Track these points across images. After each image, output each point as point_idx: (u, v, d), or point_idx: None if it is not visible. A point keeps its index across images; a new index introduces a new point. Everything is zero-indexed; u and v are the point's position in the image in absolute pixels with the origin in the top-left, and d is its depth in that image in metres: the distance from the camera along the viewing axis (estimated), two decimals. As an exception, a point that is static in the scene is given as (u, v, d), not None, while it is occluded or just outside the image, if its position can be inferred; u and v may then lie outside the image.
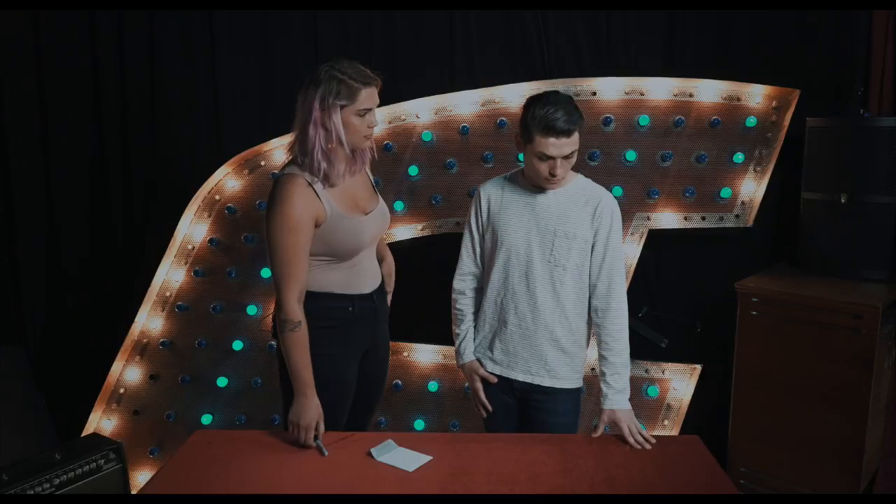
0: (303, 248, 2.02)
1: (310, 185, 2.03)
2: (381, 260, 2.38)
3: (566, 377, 2.22)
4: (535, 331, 2.19)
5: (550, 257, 2.16)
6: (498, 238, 2.21)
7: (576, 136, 2.07)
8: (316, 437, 1.97)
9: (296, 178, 2.03)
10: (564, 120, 2.03)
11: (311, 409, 2.02)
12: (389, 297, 2.44)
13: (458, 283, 2.33)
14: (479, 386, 2.29)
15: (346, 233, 2.09)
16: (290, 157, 2.10)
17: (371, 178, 2.29)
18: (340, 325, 2.16)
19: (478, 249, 2.30)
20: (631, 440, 2.04)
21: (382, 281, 2.33)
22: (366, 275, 2.22)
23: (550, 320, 2.18)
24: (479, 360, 2.31)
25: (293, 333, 2.02)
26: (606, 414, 2.12)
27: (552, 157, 2.07)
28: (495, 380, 2.27)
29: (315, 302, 2.10)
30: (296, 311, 2.02)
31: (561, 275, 2.16)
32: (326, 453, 1.91)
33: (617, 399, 2.12)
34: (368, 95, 2.04)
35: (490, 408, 2.29)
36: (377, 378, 2.41)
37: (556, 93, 2.11)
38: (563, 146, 2.05)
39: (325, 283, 2.13)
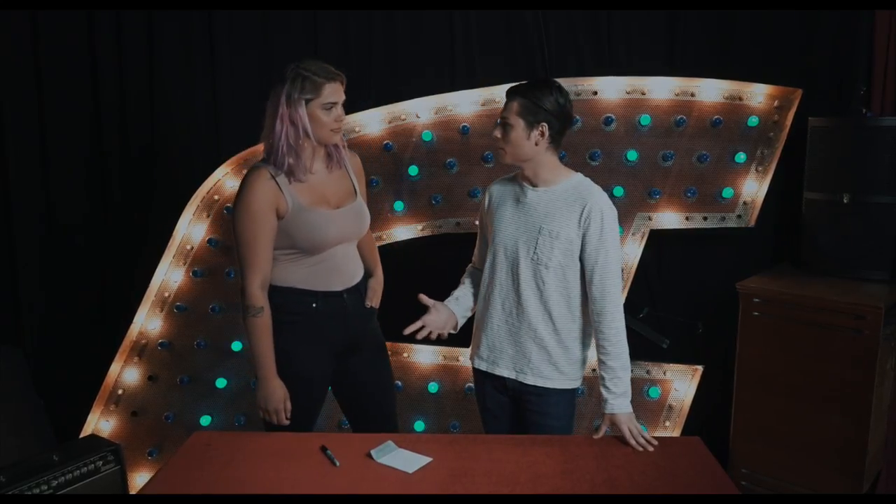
0: (263, 237, 2.10)
1: (273, 177, 2.10)
2: (370, 275, 2.41)
3: (550, 377, 2.20)
4: (520, 328, 2.20)
5: (534, 255, 2.16)
6: (492, 234, 2.24)
7: (513, 105, 2.11)
8: (326, 448, 1.96)
9: (260, 170, 2.12)
10: (511, 85, 2.16)
11: (276, 391, 2.12)
12: (375, 300, 2.42)
13: (468, 268, 2.42)
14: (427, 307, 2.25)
15: (308, 226, 2.13)
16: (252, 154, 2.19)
17: (354, 179, 2.29)
18: (303, 320, 2.19)
19: (482, 245, 2.37)
20: (633, 443, 2.03)
21: (362, 282, 2.33)
22: (336, 273, 2.23)
23: (534, 319, 2.18)
24: (471, 357, 2.34)
25: (255, 319, 2.11)
26: (608, 418, 2.11)
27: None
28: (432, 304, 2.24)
29: (278, 296, 2.16)
30: (257, 296, 2.11)
31: (544, 273, 2.15)
32: (338, 464, 1.90)
33: (617, 403, 2.11)
34: (333, 90, 2.10)
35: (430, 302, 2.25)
36: (380, 381, 2.42)
37: (549, 79, 2.19)
38: (503, 109, 2.14)
39: (289, 277, 2.18)
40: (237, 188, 2.21)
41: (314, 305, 2.19)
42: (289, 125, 2.08)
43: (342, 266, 2.24)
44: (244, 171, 2.97)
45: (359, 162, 2.36)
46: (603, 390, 2.13)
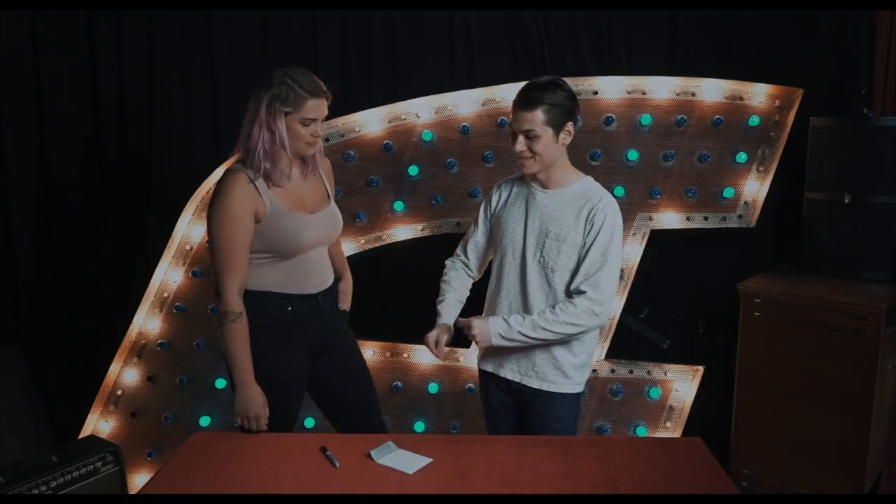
0: (242, 241, 2.07)
1: (251, 181, 2.07)
2: (339, 278, 2.40)
3: (555, 381, 2.19)
4: None
5: (541, 258, 2.14)
6: (499, 235, 2.23)
7: (536, 113, 2.03)
8: (325, 449, 1.96)
9: (237, 173, 2.08)
10: (522, 93, 2.07)
11: (256, 397, 2.09)
12: (346, 303, 2.42)
13: (447, 262, 2.37)
14: (433, 338, 2.19)
15: (286, 230, 2.12)
16: (238, 156, 2.15)
17: (326, 183, 2.29)
18: (278, 324, 2.17)
19: (475, 240, 2.33)
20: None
21: (334, 285, 2.34)
22: (310, 276, 2.22)
23: None
24: (479, 358, 2.32)
25: (234, 325, 2.07)
26: (481, 324, 2.10)
27: (515, 133, 2.09)
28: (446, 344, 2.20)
29: (254, 300, 2.13)
30: (236, 301, 2.07)
31: (551, 277, 2.14)
32: (338, 464, 1.89)
33: (501, 328, 2.08)
34: (315, 106, 2.07)
35: (442, 356, 2.23)
36: (355, 377, 2.40)
37: (550, 77, 2.13)
38: (522, 121, 2.06)
39: (265, 281, 2.16)
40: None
41: (290, 308, 2.18)
42: (266, 132, 2.06)
43: (316, 269, 2.24)
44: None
45: (329, 165, 2.35)
46: (512, 317, 2.10)
